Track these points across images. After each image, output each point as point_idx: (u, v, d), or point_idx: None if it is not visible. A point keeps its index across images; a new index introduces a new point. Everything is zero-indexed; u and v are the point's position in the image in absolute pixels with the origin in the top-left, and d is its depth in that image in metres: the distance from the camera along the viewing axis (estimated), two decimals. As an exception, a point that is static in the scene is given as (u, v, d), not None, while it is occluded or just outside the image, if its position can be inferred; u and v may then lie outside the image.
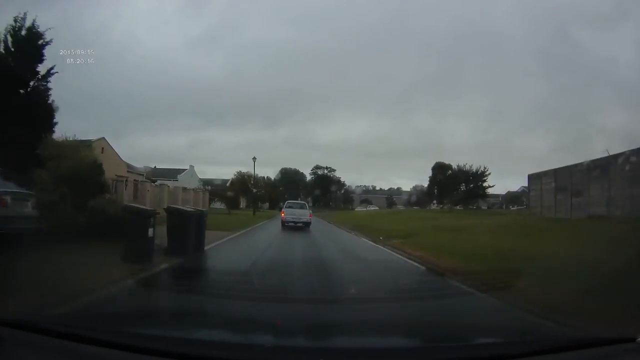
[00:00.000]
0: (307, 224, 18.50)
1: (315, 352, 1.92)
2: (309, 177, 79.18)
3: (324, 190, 76.91)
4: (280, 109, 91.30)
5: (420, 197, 74.64)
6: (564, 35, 53.89)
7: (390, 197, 78.10)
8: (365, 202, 74.64)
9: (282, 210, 20.79)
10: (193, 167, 43.70)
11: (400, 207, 66.02)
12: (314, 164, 78.16)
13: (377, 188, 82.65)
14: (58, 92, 11.97)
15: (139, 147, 65.31)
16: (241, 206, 53.99)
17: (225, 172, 66.66)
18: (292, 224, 18.54)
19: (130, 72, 63.32)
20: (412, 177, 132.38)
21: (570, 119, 52.07)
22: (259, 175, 49.36)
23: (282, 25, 74.52)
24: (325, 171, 78.61)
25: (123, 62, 53.90)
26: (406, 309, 4.30)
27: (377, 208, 64.37)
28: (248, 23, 75.55)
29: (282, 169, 77.33)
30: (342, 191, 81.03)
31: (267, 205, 66.09)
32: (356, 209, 64.37)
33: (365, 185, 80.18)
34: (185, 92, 65.32)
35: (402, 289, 5.99)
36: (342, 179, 79.20)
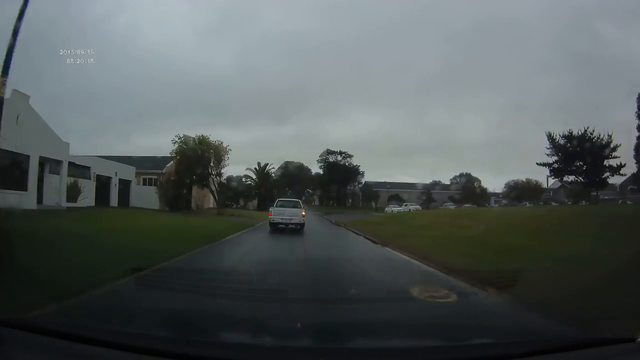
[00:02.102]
0: (299, 226, 15.63)
1: (315, 352, 1.87)
2: (317, 167, 61.16)
3: (337, 183, 57.39)
4: (287, 106, 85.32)
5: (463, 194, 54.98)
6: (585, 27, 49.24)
7: (428, 191, 57.11)
8: (396, 199, 53.92)
9: (270, 210, 16.78)
10: (28, 97, 15.15)
11: (451, 206, 46.02)
12: (324, 150, 58.86)
13: (391, 183, 63.04)
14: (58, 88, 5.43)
15: (140, 145, 58.81)
16: (210, 205, 33.30)
17: (231, 170, 62.04)
18: (283, 225, 15.65)
19: (133, 67, 59.57)
20: (417, 175, 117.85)
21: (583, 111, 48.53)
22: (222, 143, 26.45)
23: (293, 17, 68.36)
24: (339, 157, 58.09)
25: (125, 56, 51.34)
26: (406, 310, 4.14)
27: (419, 207, 44.00)
28: (257, 15, 70.49)
29: (284, 163, 58.66)
30: (362, 184, 60.49)
31: (255, 203, 46.99)
32: (386, 209, 43.83)
33: (372, 182, 60.42)
34: (191, 88, 59.91)
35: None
36: (360, 168, 59.05)
